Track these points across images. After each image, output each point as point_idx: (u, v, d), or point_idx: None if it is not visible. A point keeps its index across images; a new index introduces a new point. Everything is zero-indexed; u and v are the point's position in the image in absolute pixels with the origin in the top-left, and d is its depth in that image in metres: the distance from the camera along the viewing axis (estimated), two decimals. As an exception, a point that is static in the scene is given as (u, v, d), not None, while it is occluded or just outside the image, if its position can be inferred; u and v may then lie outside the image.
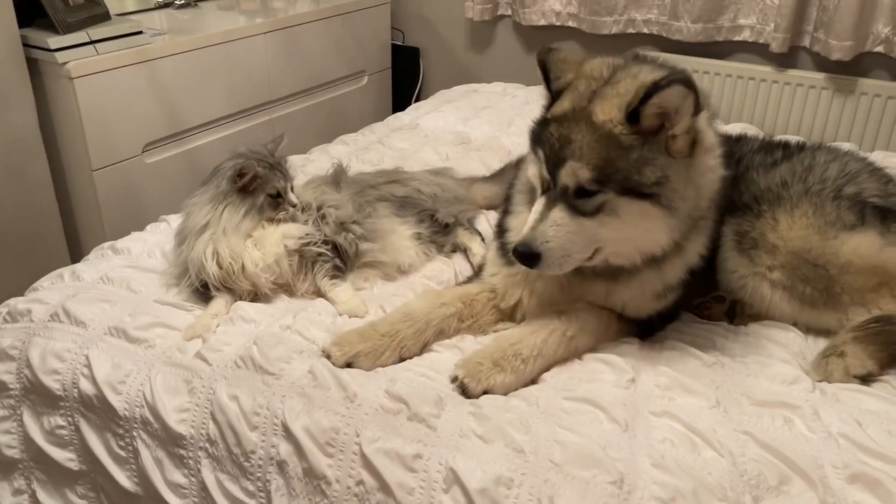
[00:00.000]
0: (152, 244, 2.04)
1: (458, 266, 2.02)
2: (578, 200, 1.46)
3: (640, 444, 1.38)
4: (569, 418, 1.43)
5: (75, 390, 1.60)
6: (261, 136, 3.54)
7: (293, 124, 3.70)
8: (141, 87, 2.97)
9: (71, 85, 2.72)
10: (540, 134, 1.53)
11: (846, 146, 2.44)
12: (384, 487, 1.33)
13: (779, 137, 2.17)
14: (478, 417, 1.41)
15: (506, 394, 1.52)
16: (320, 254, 1.82)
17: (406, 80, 4.41)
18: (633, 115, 1.40)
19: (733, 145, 2.04)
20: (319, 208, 1.91)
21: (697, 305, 1.90)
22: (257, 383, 1.50)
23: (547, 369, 1.60)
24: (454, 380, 1.52)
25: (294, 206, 1.85)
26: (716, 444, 1.38)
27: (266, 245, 1.79)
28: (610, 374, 1.57)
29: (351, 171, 2.24)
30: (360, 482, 1.35)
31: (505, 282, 1.76)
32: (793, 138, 2.16)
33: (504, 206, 1.86)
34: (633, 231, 1.49)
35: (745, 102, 3.41)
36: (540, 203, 1.51)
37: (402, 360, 1.60)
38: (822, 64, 3.28)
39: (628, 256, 1.57)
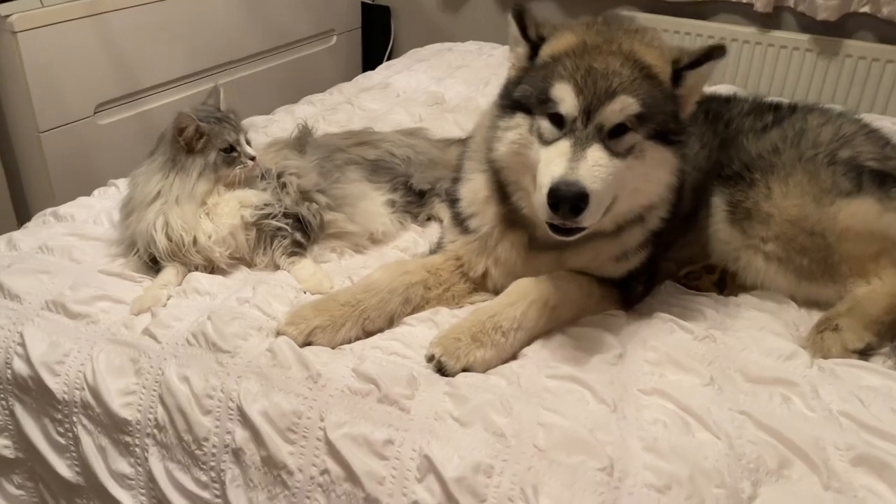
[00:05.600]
0: (99, 210, 1.88)
1: (433, 237, 1.88)
2: (611, 140, 1.36)
3: (630, 426, 1.27)
4: (553, 398, 1.31)
5: (8, 371, 1.45)
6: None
7: (257, 86, 3.52)
8: (91, 43, 2.77)
9: (14, 39, 2.53)
10: (560, 69, 1.39)
11: (837, 108, 2.34)
12: (351, 477, 1.21)
13: (769, 99, 2.05)
14: (454, 398, 1.29)
15: (486, 371, 1.41)
16: (279, 228, 1.68)
17: (376, 41, 4.22)
18: (676, 76, 1.42)
19: (722, 106, 1.94)
20: (280, 175, 1.76)
21: (686, 275, 1.79)
22: (211, 363, 1.36)
23: (528, 343, 1.49)
24: (430, 359, 1.40)
25: (252, 158, 1.70)
26: (711, 424, 1.27)
27: (221, 215, 1.64)
28: (596, 348, 1.46)
29: (318, 132, 2.09)
30: (325, 471, 1.23)
31: (465, 249, 1.64)
32: (784, 100, 2.04)
33: (454, 174, 1.72)
34: (649, 179, 1.44)
35: (728, 64, 3.29)
36: (565, 144, 1.34)
37: (367, 334, 1.47)
38: (807, 25, 3.18)
39: (625, 214, 1.49)
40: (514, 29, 1.49)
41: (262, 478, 1.27)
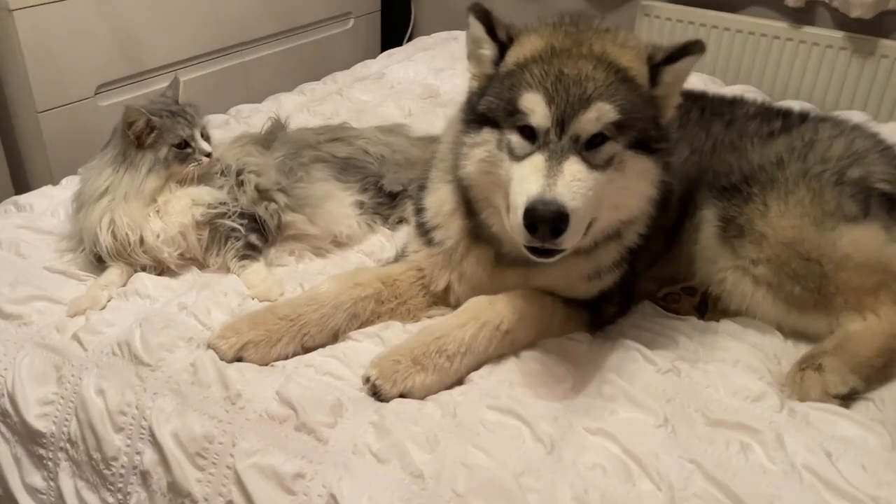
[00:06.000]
0: (59, 201, 1.83)
1: (401, 242, 1.78)
2: (588, 152, 1.25)
3: (564, 471, 1.16)
4: (486, 434, 1.21)
5: (-66, 370, 1.41)
6: (232, 83, 3.29)
7: (268, 69, 3.42)
8: (93, 21, 2.71)
9: (10, 17, 2.48)
10: (528, 77, 1.27)
11: (857, 117, 2.16)
12: (253, 512, 1.13)
13: (780, 104, 1.89)
14: (378, 430, 1.20)
15: (425, 397, 1.32)
16: (233, 229, 1.60)
17: (397, 24, 4.10)
18: (653, 73, 1.32)
19: (724, 106, 1.80)
20: (239, 173, 1.68)
21: (664, 297, 1.66)
22: (130, 376, 1.29)
23: (476, 367, 1.39)
24: (366, 381, 1.31)
25: (207, 154, 1.62)
26: (654, 474, 1.16)
27: (172, 213, 1.57)
28: (547, 379, 1.35)
29: (296, 125, 2.00)
30: (230, 502, 1.15)
31: (428, 262, 1.54)
32: (795, 106, 1.88)
33: (421, 181, 1.62)
34: (628, 193, 1.33)
35: (755, 61, 3.10)
36: (539, 158, 1.23)
37: (306, 350, 1.39)
38: (841, 22, 2.96)
39: (604, 230, 1.38)
40: (477, 30, 1.36)
41: (166, 504, 1.20)
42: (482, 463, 1.15)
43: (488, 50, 1.37)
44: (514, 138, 1.28)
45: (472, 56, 1.40)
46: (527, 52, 1.32)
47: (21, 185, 2.89)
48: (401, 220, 1.85)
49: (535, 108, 1.25)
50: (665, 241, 1.67)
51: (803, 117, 1.78)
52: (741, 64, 3.12)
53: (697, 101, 1.79)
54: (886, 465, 1.21)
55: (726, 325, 1.57)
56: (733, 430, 1.26)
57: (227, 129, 2.24)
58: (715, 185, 1.63)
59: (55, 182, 2.78)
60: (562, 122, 1.24)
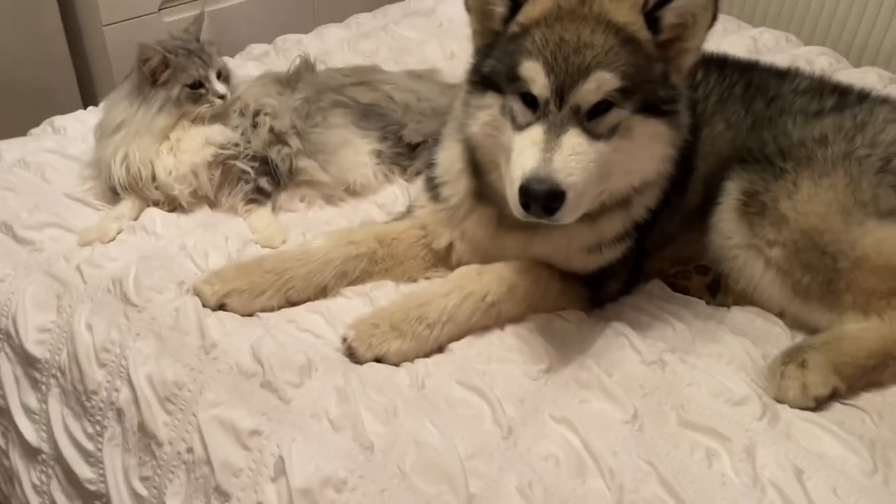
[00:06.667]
0: (91, 127, 1.86)
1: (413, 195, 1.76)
2: (591, 122, 1.20)
3: (516, 458, 1.15)
4: (447, 411, 1.22)
5: (-45, 282, 1.49)
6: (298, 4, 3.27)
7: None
8: (160, -64, 2.74)
9: (79, -69, 2.53)
10: (529, 43, 1.22)
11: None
12: (208, 461, 1.17)
13: (838, 80, 1.74)
14: (340, 395, 1.21)
15: (400, 363, 1.32)
16: (244, 171, 1.61)
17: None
18: (651, 21, 1.23)
19: (771, 79, 1.66)
20: (256, 114, 1.67)
21: (675, 274, 1.60)
22: (118, 315, 1.34)
23: (459, 337, 1.38)
24: (344, 340, 1.33)
25: (222, 97, 1.62)
26: (607, 472, 1.14)
27: (184, 151, 1.59)
28: (523, 357, 1.33)
29: (335, 63, 1.97)
30: (190, 449, 1.20)
31: (432, 218, 1.52)
32: (857, 85, 1.72)
33: (436, 136, 1.58)
34: (640, 158, 1.28)
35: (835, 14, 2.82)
36: (538, 130, 1.19)
37: (292, 303, 1.40)
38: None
39: (615, 193, 1.34)
40: None
41: (136, 443, 1.26)
42: (433, 441, 1.15)
43: (500, 7, 1.30)
44: (517, 105, 1.24)
45: (476, 9, 1.32)
46: (535, 13, 1.25)
47: (89, 99, 2.98)
48: (419, 172, 1.82)
49: (535, 77, 1.21)
50: (682, 221, 1.59)
51: (862, 97, 1.64)
52: (819, 18, 2.84)
53: (745, 74, 1.66)
54: (860, 490, 1.15)
55: (733, 315, 1.50)
56: (703, 435, 1.22)
57: (266, 60, 2.23)
58: (743, 158, 1.54)
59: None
60: (561, 93, 1.19)
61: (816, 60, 2.33)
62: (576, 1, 1.25)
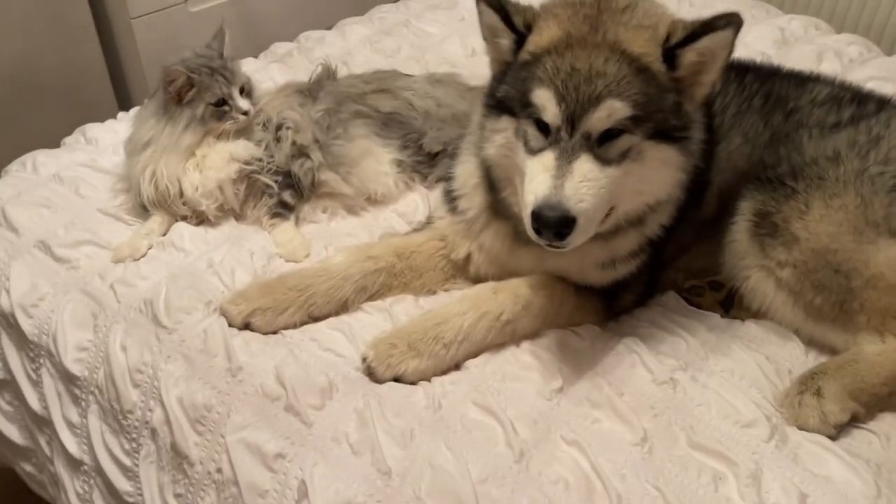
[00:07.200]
0: (121, 139, 1.92)
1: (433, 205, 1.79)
2: (601, 147, 1.23)
3: (527, 482, 1.21)
4: (462, 434, 1.27)
5: (-2, 302, 1.58)
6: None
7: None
8: (186, -74, 2.76)
9: (105, -76, 2.55)
10: (540, 71, 1.25)
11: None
12: (236, 483, 1.24)
13: (858, 86, 1.71)
14: (359, 418, 1.27)
15: (417, 381, 1.37)
16: (268, 185, 1.66)
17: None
18: (669, 56, 1.24)
19: (792, 91, 1.65)
20: (278, 128, 1.71)
21: (689, 289, 1.62)
22: (150, 336, 1.41)
23: (475, 355, 1.42)
24: (364, 360, 1.38)
25: (245, 113, 1.66)
26: (615, 496, 1.19)
27: (209, 167, 1.64)
28: (537, 376, 1.37)
29: (358, 63, 1.99)
30: (219, 470, 1.27)
31: (451, 229, 1.57)
32: (880, 92, 1.69)
33: (455, 146, 1.62)
34: (650, 181, 1.31)
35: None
36: (549, 156, 1.22)
37: (313, 319, 1.46)
38: None
39: (630, 213, 1.37)
40: (492, 19, 1.31)
41: (169, 461, 1.34)
42: (447, 466, 1.21)
43: (506, 39, 1.33)
44: (530, 130, 1.28)
45: (489, 41, 1.36)
46: (543, 42, 1.28)
47: (121, 90, 3.04)
48: (439, 180, 1.85)
49: (546, 105, 1.24)
50: (697, 232, 1.61)
51: (882, 104, 1.62)
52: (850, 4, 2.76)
53: (765, 84, 1.65)
54: (862, 516, 1.18)
55: (748, 328, 1.52)
56: (710, 458, 1.25)
57: (289, 62, 2.26)
58: (757, 177, 1.54)
59: (149, 89, 2.92)
60: (572, 120, 1.22)
61: (846, 51, 2.29)
62: (587, 28, 1.26)
